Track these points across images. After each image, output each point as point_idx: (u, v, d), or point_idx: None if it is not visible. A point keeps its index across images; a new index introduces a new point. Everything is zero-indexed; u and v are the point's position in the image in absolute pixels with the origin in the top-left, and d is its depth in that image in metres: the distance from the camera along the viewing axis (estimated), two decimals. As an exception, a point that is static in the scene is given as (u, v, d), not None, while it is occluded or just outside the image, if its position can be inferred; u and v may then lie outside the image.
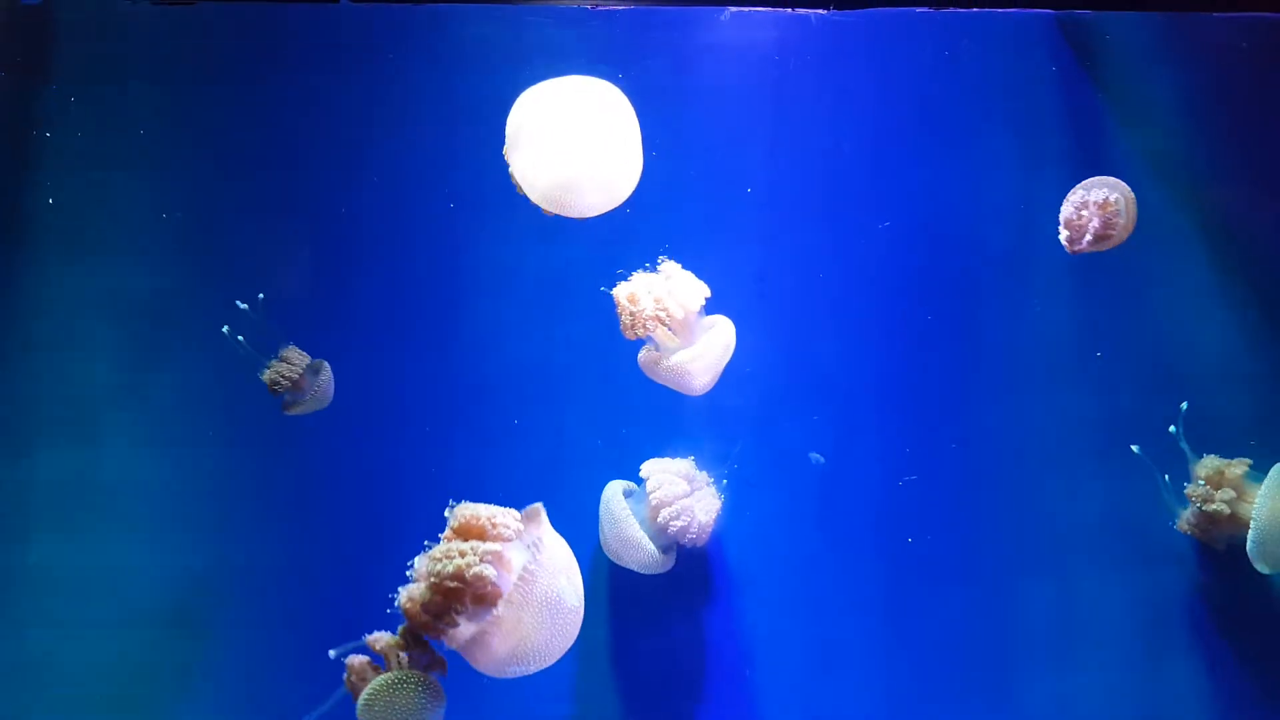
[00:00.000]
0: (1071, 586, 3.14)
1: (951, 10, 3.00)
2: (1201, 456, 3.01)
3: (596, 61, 3.10)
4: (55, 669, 3.06)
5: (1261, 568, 2.92)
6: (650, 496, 2.99)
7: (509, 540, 2.44)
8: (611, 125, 2.72)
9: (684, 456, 3.09)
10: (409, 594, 2.41)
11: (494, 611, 2.39)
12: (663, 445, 3.15)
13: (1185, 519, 3.03)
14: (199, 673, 3.08)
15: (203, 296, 3.11)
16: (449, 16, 3.10)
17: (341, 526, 3.10)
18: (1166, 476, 3.04)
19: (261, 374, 2.97)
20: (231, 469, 3.10)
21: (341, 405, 3.04)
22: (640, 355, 2.91)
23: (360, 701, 2.52)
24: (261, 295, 2.95)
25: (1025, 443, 3.19)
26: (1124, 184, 2.96)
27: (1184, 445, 3.00)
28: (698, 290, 2.84)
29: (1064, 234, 2.97)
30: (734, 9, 3.03)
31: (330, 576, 3.10)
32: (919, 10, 3.09)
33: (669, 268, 2.87)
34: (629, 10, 2.96)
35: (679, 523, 2.97)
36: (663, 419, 3.17)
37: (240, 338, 3.01)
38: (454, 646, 2.44)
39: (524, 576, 2.41)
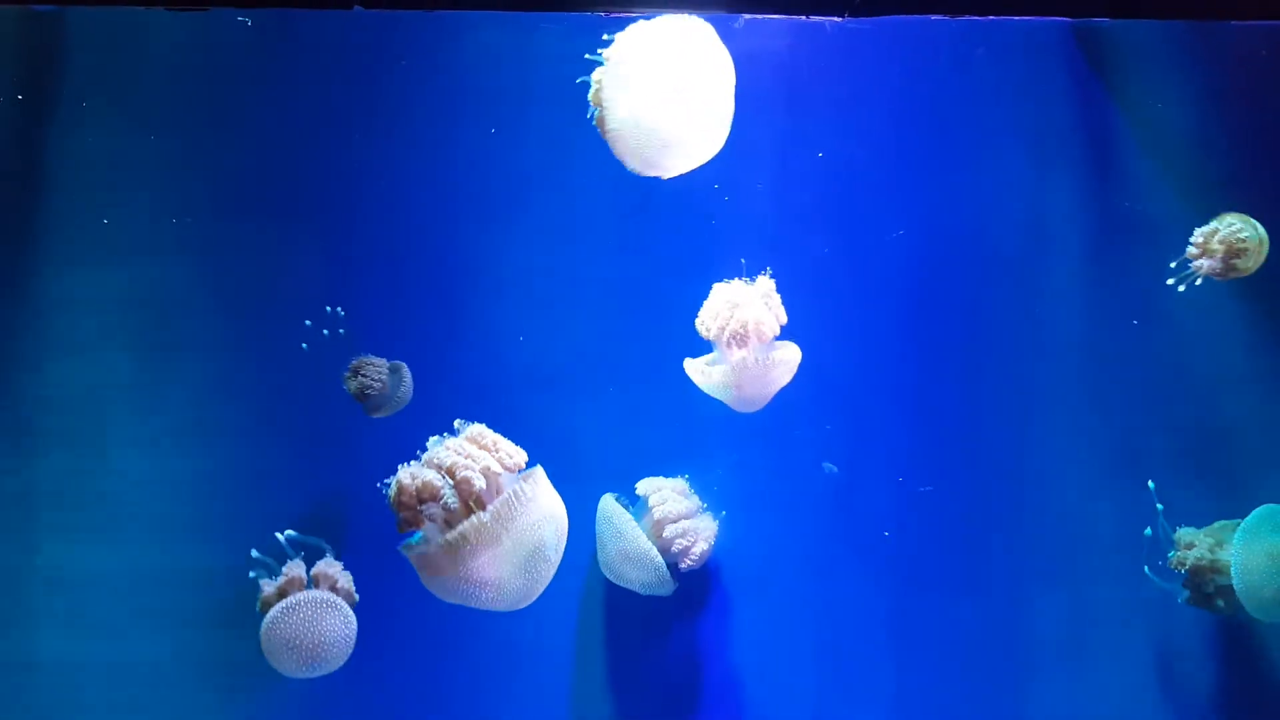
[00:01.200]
0: (1083, 598, 3.13)
1: (967, 18, 2.99)
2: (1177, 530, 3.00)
3: (610, 69, 3.10)
4: (65, 670, 3.07)
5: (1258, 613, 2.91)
6: (654, 511, 2.98)
7: (505, 466, 2.53)
8: (716, 75, 2.72)
9: (679, 475, 3.10)
10: (411, 472, 2.49)
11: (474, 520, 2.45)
12: (670, 452, 3.15)
13: (1185, 593, 3.00)
14: (206, 672, 3.10)
15: (214, 300, 3.12)
16: (462, 23, 3.09)
17: (349, 527, 3.10)
18: (1146, 568, 3.02)
19: (346, 384, 2.98)
20: (243, 471, 3.11)
21: (349, 408, 3.04)
22: (705, 368, 2.92)
23: (287, 603, 2.68)
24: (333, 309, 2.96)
25: (1037, 452, 3.18)
26: (1258, 223, 2.98)
27: (1164, 523, 2.99)
28: (777, 318, 2.86)
29: (1194, 265, 3.00)
30: (748, 16, 3.02)
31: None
32: (934, 18, 3.07)
33: (766, 285, 2.88)
34: (642, 18, 2.95)
35: (684, 541, 2.96)
36: (673, 426, 3.17)
37: (342, 331, 3.02)
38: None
39: (510, 502, 2.48)
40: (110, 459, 3.10)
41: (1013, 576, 3.16)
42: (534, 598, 2.62)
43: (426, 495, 2.46)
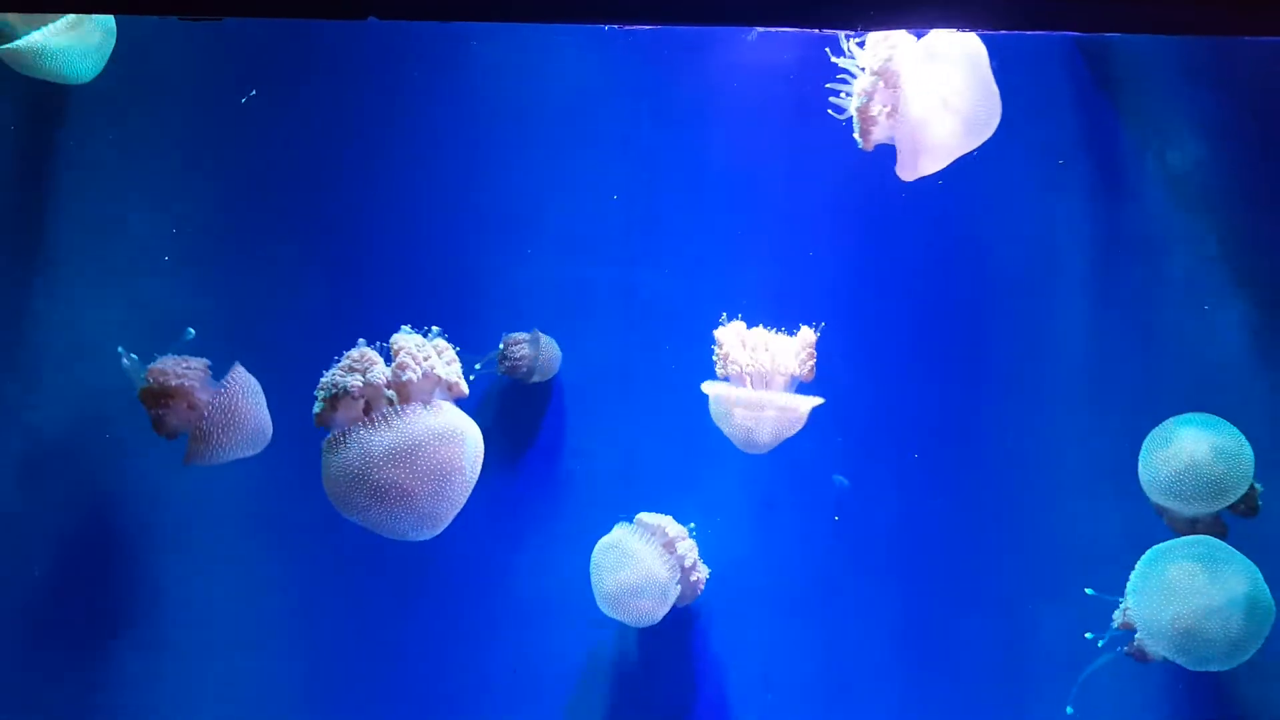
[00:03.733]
0: (1089, 611, 3.11)
1: (982, 33, 3.00)
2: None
3: (621, 81, 3.12)
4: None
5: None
6: (666, 528, 2.97)
7: (448, 380, 2.58)
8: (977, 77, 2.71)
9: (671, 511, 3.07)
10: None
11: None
12: (676, 468, 3.15)
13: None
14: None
15: (219, 312, 3.10)
16: (475, 34, 3.09)
17: (351, 540, 3.08)
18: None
19: (499, 369, 3.05)
20: (248, 485, 3.09)
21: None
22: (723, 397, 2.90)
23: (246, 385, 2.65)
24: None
25: (1044, 467, 3.17)
26: None
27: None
28: (794, 365, 2.84)
29: None
30: (761, 30, 3.03)
31: (335, 584, 3.13)
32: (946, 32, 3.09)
33: (807, 336, 2.87)
34: (654, 31, 2.96)
35: (693, 556, 2.97)
36: (679, 441, 3.16)
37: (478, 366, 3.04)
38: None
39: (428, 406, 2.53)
40: (123, 476, 3.10)
41: (1019, 593, 3.16)
42: (444, 521, 2.61)
43: (361, 364, 2.51)
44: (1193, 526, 2.92)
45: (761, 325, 2.91)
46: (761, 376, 2.81)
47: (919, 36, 2.67)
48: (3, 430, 3.08)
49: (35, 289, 3.09)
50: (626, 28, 3.00)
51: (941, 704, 3.14)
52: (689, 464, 3.15)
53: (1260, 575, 2.75)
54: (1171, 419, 2.92)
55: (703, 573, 3.00)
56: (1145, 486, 2.92)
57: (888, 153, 3.07)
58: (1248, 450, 2.86)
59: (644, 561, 2.92)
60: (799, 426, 2.89)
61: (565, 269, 3.15)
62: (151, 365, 2.66)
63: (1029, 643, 3.13)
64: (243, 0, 2.05)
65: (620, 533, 2.98)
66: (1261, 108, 3.15)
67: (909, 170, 2.71)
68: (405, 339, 2.58)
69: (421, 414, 2.53)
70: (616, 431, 3.17)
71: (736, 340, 2.85)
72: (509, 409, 3.17)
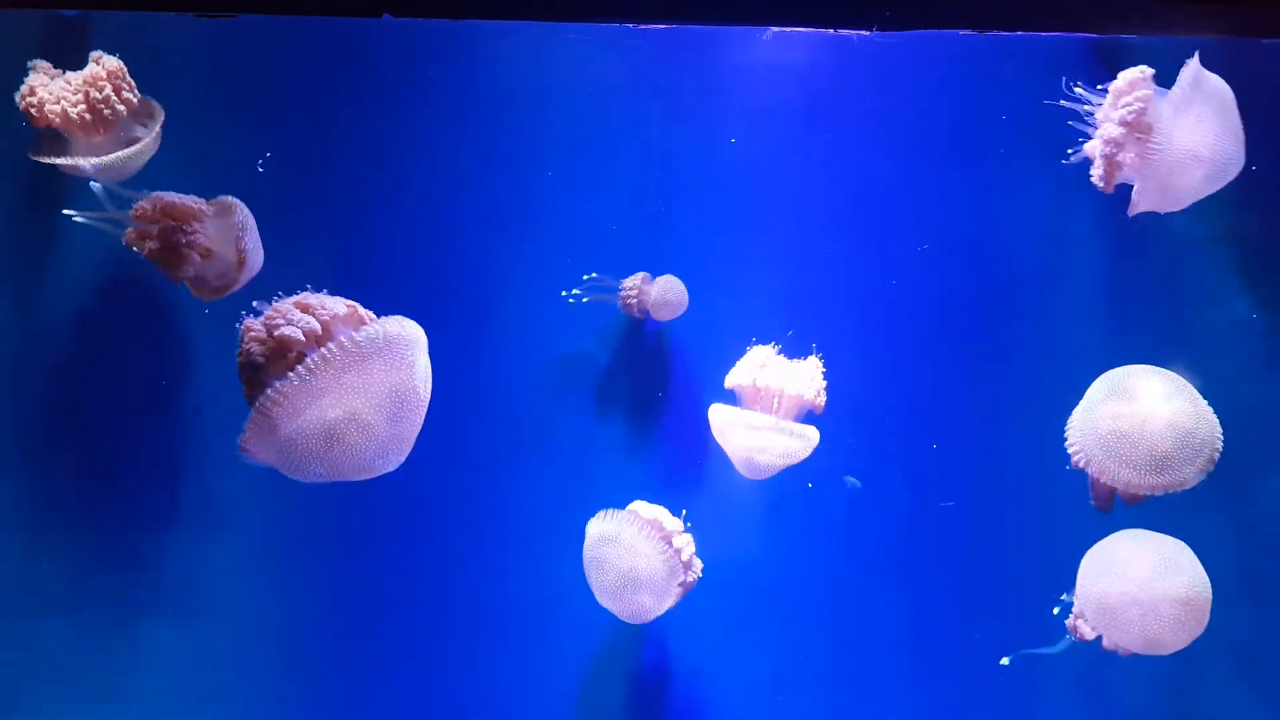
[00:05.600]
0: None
1: (994, 33, 2.99)
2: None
3: (637, 80, 3.11)
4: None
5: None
6: (664, 522, 2.94)
7: (362, 316, 2.51)
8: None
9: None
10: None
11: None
12: (680, 465, 3.16)
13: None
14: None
15: (234, 309, 3.10)
16: (490, 33, 3.09)
17: (337, 536, 3.12)
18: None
19: (618, 300, 3.07)
20: (242, 489, 3.10)
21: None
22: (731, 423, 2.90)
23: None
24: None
25: (1056, 468, 3.16)
26: None
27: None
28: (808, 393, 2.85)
29: None
30: (776, 29, 3.03)
31: (314, 577, 3.14)
32: (961, 33, 3.08)
33: (814, 365, 2.90)
34: (669, 29, 2.95)
35: (690, 549, 2.93)
36: (682, 440, 3.17)
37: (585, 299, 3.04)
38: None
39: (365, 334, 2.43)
40: (121, 463, 3.11)
41: (1030, 597, 3.15)
42: (407, 447, 2.56)
43: (288, 315, 2.42)
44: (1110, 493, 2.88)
45: (774, 345, 2.94)
46: (772, 401, 2.82)
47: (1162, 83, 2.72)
48: (5, 429, 3.09)
49: (41, 288, 3.10)
50: (641, 27, 3.01)
51: (952, 707, 3.14)
52: (694, 465, 3.15)
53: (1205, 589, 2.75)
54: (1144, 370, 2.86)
55: (697, 567, 2.96)
56: (1080, 429, 2.84)
57: (896, 154, 3.09)
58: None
59: (642, 553, 2.87)
60: (803, 456, 2.89)
61: (576, 268, 3.15)
62: (151, 195, 2.66)
63: (1039, 646, 3.13)
64: (258, -3, 2.05)
65: (617, 525, 2.91)
66: (1264, 110, 3.14)
67: (1146, 207, 2.77)
68: (293, 299, 2.49)
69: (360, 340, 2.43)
70: (623, 428, 3.17)
71: (758, 365, 2.86)
72: (520, 407, 3.17)
